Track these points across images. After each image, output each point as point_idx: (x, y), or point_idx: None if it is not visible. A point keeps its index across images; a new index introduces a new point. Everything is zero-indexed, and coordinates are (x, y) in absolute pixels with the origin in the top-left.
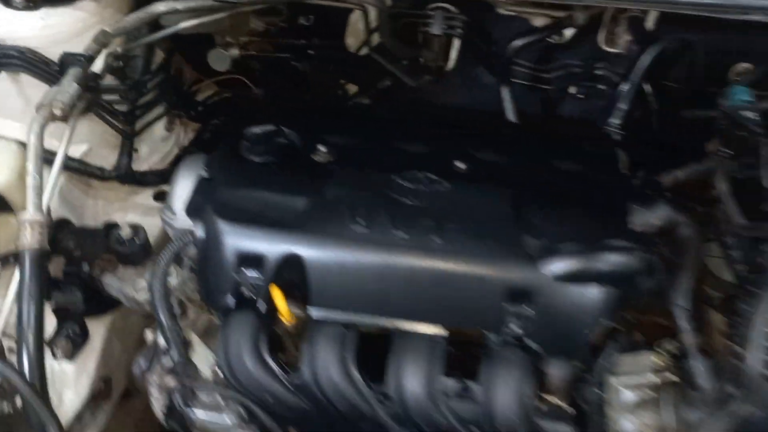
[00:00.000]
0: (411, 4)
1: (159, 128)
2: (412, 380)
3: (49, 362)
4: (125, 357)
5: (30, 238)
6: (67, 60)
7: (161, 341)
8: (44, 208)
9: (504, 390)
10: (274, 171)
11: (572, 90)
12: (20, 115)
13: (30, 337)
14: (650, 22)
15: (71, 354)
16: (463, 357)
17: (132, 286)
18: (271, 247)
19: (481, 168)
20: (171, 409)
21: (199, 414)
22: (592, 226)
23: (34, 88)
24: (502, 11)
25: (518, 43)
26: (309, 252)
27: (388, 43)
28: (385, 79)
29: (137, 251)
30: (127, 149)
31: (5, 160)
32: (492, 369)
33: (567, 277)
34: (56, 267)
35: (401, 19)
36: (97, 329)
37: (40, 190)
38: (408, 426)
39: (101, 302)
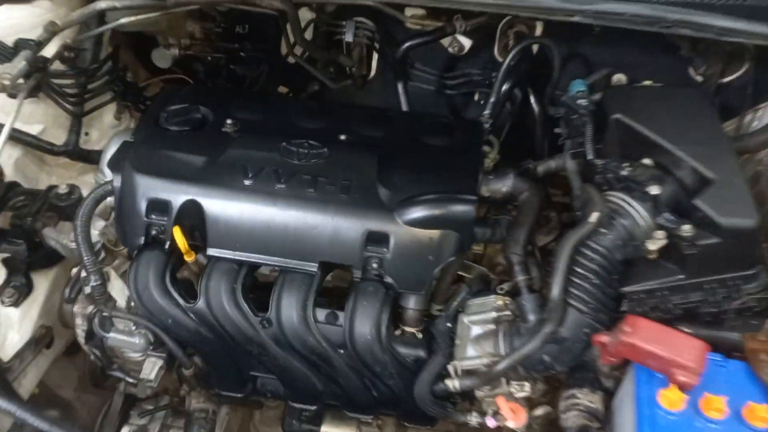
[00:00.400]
0: (331, 15)
1: (108, 116)
2: (288, 308)
3: None
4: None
5: None
6: (20, 44)
7: (83, 273)
8: None
9: (363, 316)
10: (186, 137)
11: (476, 97)
12: None
13: None
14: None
15: (16, 302)
16: (335, 291)
17: (67, 237)
18: (175, 195)
19: (359, 140)
20: (90, 334)
21: (114, 338)
22: (443, 186)
23: None
24: (408, 24)
25: (408, 44)
26: (206, 200)
27: (306, 48)
28: (313, 84)
29: (72, 205)
30: (76, 129)
31: None
32: (355, 299)
33: (416, 223)
34: (3, 221)
35: (319, 28)
36: (41, 282)
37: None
38: (286, 348)
39: (45, 257)
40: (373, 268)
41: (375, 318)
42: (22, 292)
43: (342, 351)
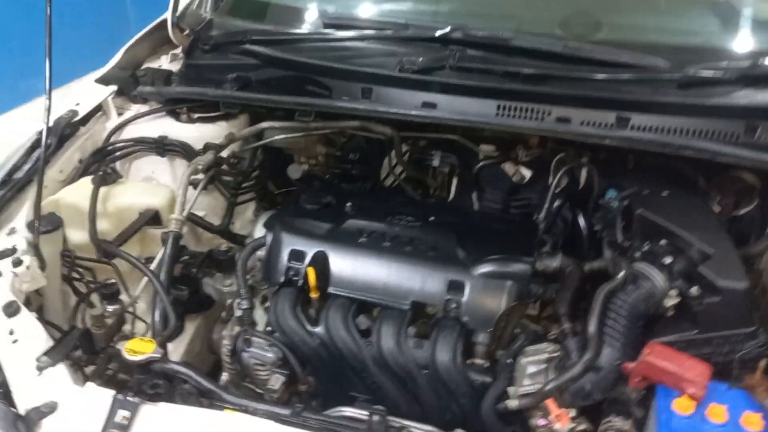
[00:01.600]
0: (421, 147)
1: (249, 212)
2: (386, 334)
3: None
4: (198, 358)
5: (173, 227)
6: (208, 146)
7: (235, 304)
8: (182, 216)
9: (443, 344)
10: (317, 213)
11: (534, 217)
12: (171, 178)
13: (161, 291)
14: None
15: (167, 340)
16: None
17: (221, 283)
18: (309, 247)
19: (445, 221)
20: (234, 351)
21: (252, 352)
22: (507, 252)
23: (182, 167)
24: (481, 156)
25: (481, 163)
26: (331, 252)
27: (404, 167)
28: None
29: (229, 261)
30: (229, 215)
31: (164, 193)
32: (438, 331)
33: (486, 275)
34: (176, 271)
35: (412, 155)
36: (189, 327)
37: (182, 207)
38: (382, 366)
39: (198, 303)
40: (452, 309)
41: (452, 346)
42: (176, 333)
43: (425, 371)
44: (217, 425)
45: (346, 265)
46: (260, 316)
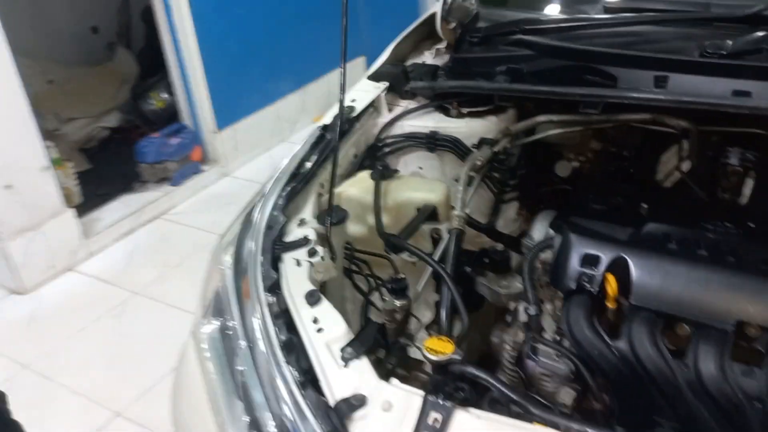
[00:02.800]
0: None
1: (512, 211)
2: (705, 356)
3: None
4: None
5: (456, 223)
6: (484, 141)
7: (521, 309)
8: (462, 212)
9: None
10: (609, 215)
11: None
12: (439, 174)
13: (452, 287)
14: None
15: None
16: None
17: (496, 284)
18: (606, 252)
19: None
20: (518, 359)
21: (543, 362)
22: None
23: (450, 163)
24: None
25: None
26: (633, 258)
27: (699, 164)
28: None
29: (504, 261)
30: (495, 212)
31: (441, 189)
32: None
33: None
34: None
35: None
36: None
37: (463, 202)
38: (699, 394)
39: (472, 303)
40: None
41: None
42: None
43: (758, 404)
44: None
45: (652, 274)
46: (548, 323)
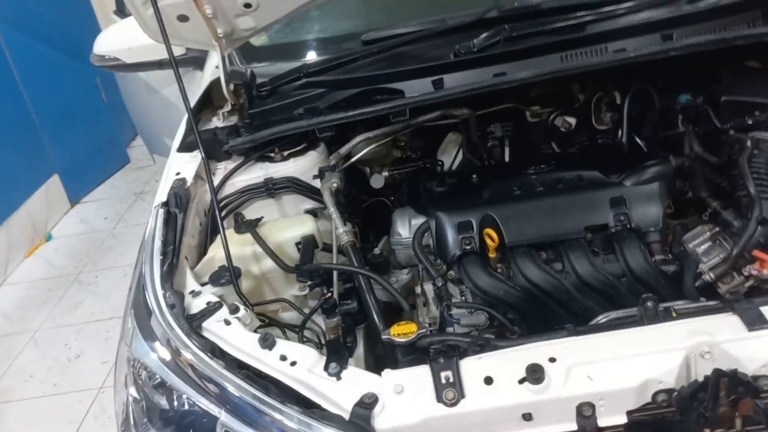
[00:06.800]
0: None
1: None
2: (579, 261)
3: None
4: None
5: (345, 238)
6: (322, 169)
7: (426, 288)
8: (345, 227)
9: (630, 250)
10: (453, 191)
11: None
12: (294, 210)
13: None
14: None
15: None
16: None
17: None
18: (473, 215)
19: (565, 160)
20: (440, 328)
21: (462, 325)
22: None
23: (290, 203)
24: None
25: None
26: (495, 211)
27: (473, 143)
28: None
29: (384, 261)
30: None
31: (309, 220)
32: (620, 243)
33: (637, 183)
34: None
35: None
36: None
37: (341, 220)
38: (583, 290)
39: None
40: (620, 221)
41: (640, 250)
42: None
43: (623, 279)
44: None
45: (514, 218)
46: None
